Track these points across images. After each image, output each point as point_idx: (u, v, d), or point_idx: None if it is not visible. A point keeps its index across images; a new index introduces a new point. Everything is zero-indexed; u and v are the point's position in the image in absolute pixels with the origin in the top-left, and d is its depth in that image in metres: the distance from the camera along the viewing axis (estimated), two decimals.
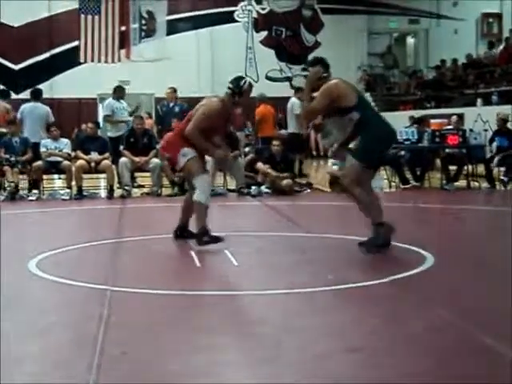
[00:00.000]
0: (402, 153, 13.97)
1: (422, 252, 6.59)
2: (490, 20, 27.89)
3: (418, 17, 28.13)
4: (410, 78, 27.06)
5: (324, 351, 3.94)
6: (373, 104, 23.92)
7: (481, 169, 13.88)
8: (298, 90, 16.10)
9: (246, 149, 16.72)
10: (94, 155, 12.64)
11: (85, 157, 12.57)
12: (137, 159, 12.64)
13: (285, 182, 12.48)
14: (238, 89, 7.24)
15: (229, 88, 7.27)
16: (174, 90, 14.85)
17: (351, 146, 7.17)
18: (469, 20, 27.23)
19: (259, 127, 16.96)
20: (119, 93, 14.51)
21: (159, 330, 4.35)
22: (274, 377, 3.58)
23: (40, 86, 17.08)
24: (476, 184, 13.68)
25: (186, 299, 5.17)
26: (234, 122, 18.66)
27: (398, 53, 29.36)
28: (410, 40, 29.85)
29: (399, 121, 14.22)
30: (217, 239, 7.00)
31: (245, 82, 7.31)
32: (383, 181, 13.97)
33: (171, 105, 14.72)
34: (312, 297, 5.23)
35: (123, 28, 23.82)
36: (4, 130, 13.24)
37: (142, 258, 6.95)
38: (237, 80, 7.36)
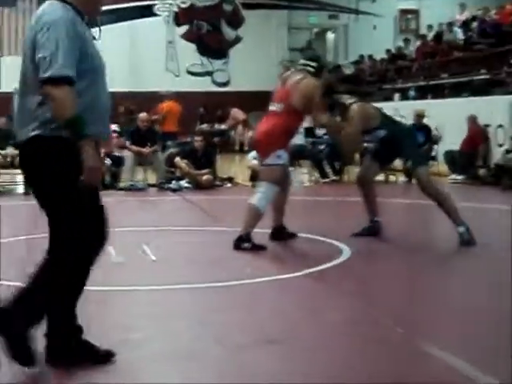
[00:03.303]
0: (322, 147, 14.12)
1: (339, 245, 6.68)
2: (408, 16, 28.38)
3: (338, 12, 28.42)
4: (329, 72, 27.31)
5: (242, 344, 3.96)
6: None
7: (398, 163, 14.10)
8: None
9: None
10: (10, 150, 12.39)
11: (0, 152, 12.32)
12: None
13: (205, 177, 12.45)
14: (319, 67, 6.86)
15: (310, 66, 6.78)
16: None
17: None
18: (387, 16, 27.67)
19: (164, 122, 17.15)
20: None
21: None
22: (193, 371, 3.59)
23: None
24: (393, 178, 13.92)
25: (99, 295, 5.05)
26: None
27: (318, 48, 29.60)
28: (330, 35, 30.13)
29: None
30: (259, 247, 6.68)
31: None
32: (303, 175, 14.10)
33: None
34: (230, 290, 5.25)
35: None
36: None
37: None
38: (317, 59, 6.99)
